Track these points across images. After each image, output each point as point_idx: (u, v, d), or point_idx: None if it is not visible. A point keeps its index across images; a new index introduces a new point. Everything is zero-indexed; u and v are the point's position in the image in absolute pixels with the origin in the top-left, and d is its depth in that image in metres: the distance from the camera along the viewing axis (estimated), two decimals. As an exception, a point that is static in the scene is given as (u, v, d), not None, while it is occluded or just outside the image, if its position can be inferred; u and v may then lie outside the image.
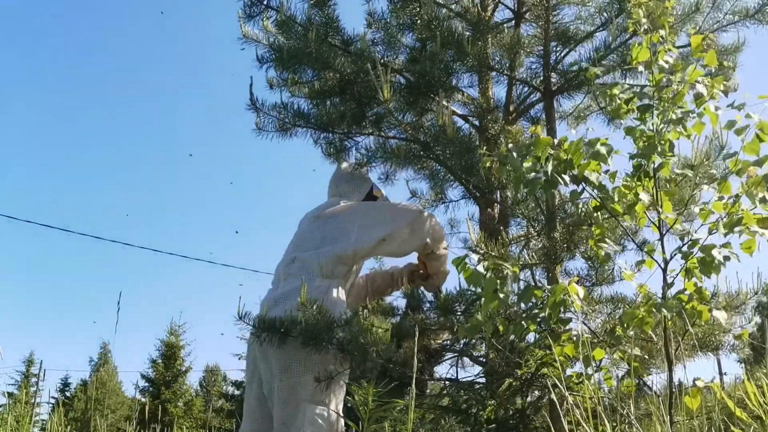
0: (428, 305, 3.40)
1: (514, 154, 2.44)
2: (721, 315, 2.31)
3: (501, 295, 2.37)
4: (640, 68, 2.52)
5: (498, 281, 2.39)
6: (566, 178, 2.41)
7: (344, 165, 3.78)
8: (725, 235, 2.30)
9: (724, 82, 2.46)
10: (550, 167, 2.40)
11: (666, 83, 2.47)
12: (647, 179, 2.46)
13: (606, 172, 2.49)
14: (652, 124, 2.44)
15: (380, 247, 3.35)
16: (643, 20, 2.56)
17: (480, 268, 2.42)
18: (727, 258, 2.29)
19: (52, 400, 23.70)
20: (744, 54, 3.90)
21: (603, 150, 2.40)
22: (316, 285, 3.14)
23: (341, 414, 3.05)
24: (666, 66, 2.47)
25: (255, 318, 3.05)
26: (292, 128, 4.00)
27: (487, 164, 2.75)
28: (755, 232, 2.25)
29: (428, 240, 3.41)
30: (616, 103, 2.51)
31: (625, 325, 2.37)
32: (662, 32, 2.51)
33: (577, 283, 2.39)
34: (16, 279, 43.25)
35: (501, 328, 2.47)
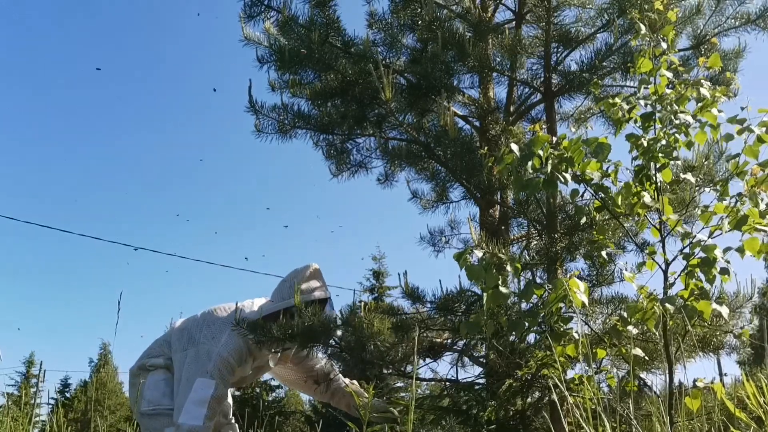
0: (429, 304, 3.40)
1: (516, 153, 2.44)
2: (723, 310, 2.31)
3: (503, 290, 2.37)
4: (641, 77, 2.53)
5: (500, 277, 2.39)
6: (567, 176, 2.41)
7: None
8: (730, 231, 2.30)
9: (726, 89, 2.48)
10: (550, 167, 2.40)
11: (670, 87, 2.48)
12: (648, 183, 2.47)
13: (606, 170, 2.49)
14: (654, 132, 2.45)
15: None
16: (643, 30, 2.57)
17: (481, 264, 2.41)
18: (725, 270, 2.29)
19: (52, 401, 23.72)
20: (745, 59, 3.90)
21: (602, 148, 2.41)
22: None
23: None
24: (668, 77, 2.48)
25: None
26: (292, 130, 4.01)
27: (489, 164, 2.75)
28: (761, 230, 2.25)
29: None
30: (618, 114, 2.52)
31: (628, 318, 2.36)
32: (664, 45, 2.52)
33: (578, 278, 2.38)
34: (16, 279, 43.27)
35: (503, 326, 2.47)
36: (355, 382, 3.43)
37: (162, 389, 3.04)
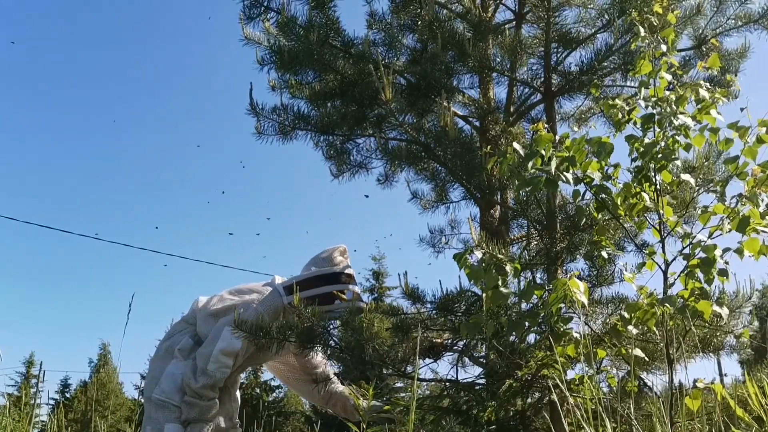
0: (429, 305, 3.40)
1: (520, 152, 2.44)
2: (722, 311, 2.31)
3: (503, 291, 2.37)
4: (641, 80, 2.53)
5: (499, 278, 2.38)
6: (569, 176, 2.41)
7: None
8: (730, 231, 2.29)
9: (726, 91, 2.48)
10: (553, 166, 2.40)
11: (670, 88, 2.48)
12: (647, 184, 2.47)
13: (607, 171, 2.49)
14: (654, 134, 2.45)
15: None
16: (642, 33, 2.57)
17: (481, 264, 2.41)
18: (723, 272, 2.29)
19: (52, 401, 23.71)
20: (749, 59, 3.88)
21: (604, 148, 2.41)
22: None
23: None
24: (668, 79, 2.48)
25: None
26: (292, 131, 4.01)
27: (491, 165, 2.75)
28: (761, 232, 2.24)
29: None
30: (618, 116, 2.52)
31: (628, 316, 2.36)
32: (664, 47, 2.52)
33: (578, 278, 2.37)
34: (16, 279, 43.27)
35: (504, 326, 2.46)
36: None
37: (178, 384, 3.05)
